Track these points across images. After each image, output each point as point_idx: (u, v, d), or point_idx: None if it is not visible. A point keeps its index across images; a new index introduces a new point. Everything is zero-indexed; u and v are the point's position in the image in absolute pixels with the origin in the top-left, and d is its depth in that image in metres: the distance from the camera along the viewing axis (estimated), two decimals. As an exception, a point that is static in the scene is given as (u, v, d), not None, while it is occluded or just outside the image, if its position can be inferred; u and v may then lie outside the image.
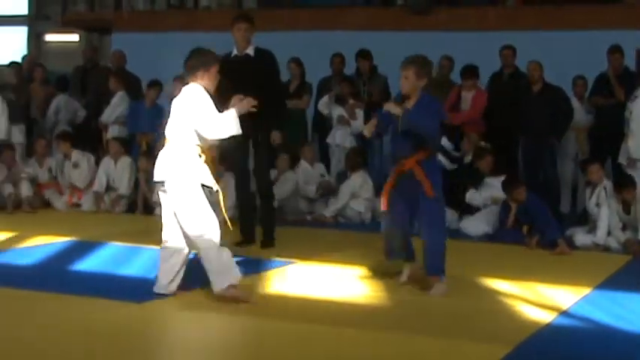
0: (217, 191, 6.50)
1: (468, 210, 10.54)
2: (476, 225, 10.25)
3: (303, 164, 11.46)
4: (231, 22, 8.87)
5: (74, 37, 18.14)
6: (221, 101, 9.17)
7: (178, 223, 6.48)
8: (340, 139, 11.80)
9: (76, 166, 11.82)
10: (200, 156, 6.47)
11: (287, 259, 8.21)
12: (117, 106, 12.48)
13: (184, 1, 16.15)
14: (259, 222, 9.05)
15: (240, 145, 8.82)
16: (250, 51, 8.82)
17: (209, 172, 6.49)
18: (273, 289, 7.11)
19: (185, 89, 6.62)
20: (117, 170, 11.66)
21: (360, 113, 11.76)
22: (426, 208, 6.95)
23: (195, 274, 7.39)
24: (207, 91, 6.62)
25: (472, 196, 10.54)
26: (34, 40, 19.04)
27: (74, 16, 17.32)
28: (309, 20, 14.29)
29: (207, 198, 6.44)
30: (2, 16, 19.61)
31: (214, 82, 6.67)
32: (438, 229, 7.01)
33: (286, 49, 12.63)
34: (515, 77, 11.81)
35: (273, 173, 11.33)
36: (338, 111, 11.83)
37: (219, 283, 6.39)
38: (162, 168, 6.51)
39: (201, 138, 6.48)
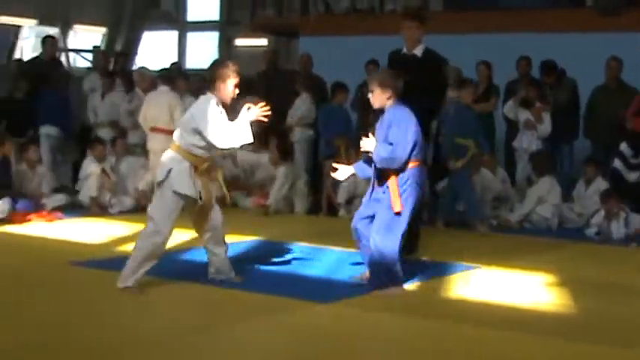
0: (200, 199, 6.67)
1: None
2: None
3: (483, 170, 11.25)
4: (401, 20, 8.81)
5: (263, 42, 18.58)
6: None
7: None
8: (526, 143, 11.59)
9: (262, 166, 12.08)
10: (196, 168, 6.65)
11: (471, 264, 8.14)
12: (297, 107, 12.69)
13: (373, 6, 16.21)
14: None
15: None
16: (418, 51, 8.57)
17: (196, 182, 6.64)
18: (457, 292, 7.07)
19: (200, 97, 6.79)
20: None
21: (547, 117, 11.51)
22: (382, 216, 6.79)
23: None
24: (223, 103, 6.74)
25: None
26: (225, 44, 19.64)
27: (263, 20, 17.73)
28: (495, 22, 14.09)
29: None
30: (195, 22, 20.34)
31: (230, 94, 6.76)
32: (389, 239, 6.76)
33: (472, 52, 12.55)
34: None
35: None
36: (524, 115, 11.62)
37: (120, 281, 6.64)
38: (160, 170, 6.76)
39: (202, 148, 6.64)
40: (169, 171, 6.62)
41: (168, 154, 6.74)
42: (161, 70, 11.93)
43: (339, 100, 12.20)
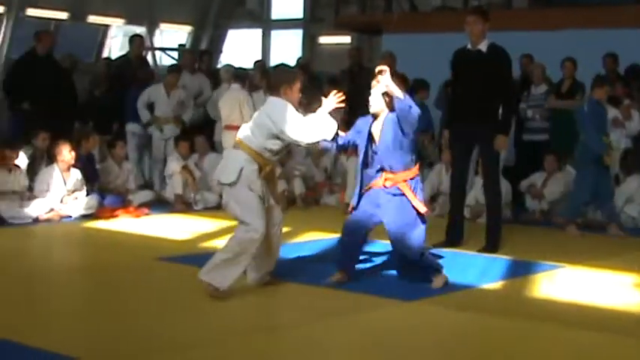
0: (265, 206, 6.61)
1: None
2: None
3: (569, 168, 11.08)
4: (464, 16, 8.78)
5: (346, 39, 18.60)
6: (454, 94, 9.10)
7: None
8: (615, 140, 11.37)
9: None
10: (261, 169, 6.59)
11: (556, 263, 8.04)
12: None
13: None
14: (486, 230, 8.75)
15: (462, 145, 8.71)
16: (483, 46, 8.56)
17: (262, 184, 6.58)
18: (541, 292, 7.00)
19: (270, 100, 6.75)
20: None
21: (635, 114, 11.28)
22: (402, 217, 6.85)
23: (473, 273, 7.43)
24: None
25: None
26: (309, 42, 19.71)
27: (346, 18, 17.75)
28: (580, 18, 13.86)
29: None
30: (280, 20, 20.46)
31: (297, 98, 6.75)
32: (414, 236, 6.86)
33: (557, 48, 12.36)
34: None
35: (542, 175, 11.10)
36: (612, 112, 11.40)
37: (209, 277, 6.47)
38: (223, 171, 6.71)
39: (273, 152, 6.62)
40: (242, 170, 6.56)
41: (238, 155, 6.65)
42: (238, 68, 12.06)
43: (420, 97, 12.17)
